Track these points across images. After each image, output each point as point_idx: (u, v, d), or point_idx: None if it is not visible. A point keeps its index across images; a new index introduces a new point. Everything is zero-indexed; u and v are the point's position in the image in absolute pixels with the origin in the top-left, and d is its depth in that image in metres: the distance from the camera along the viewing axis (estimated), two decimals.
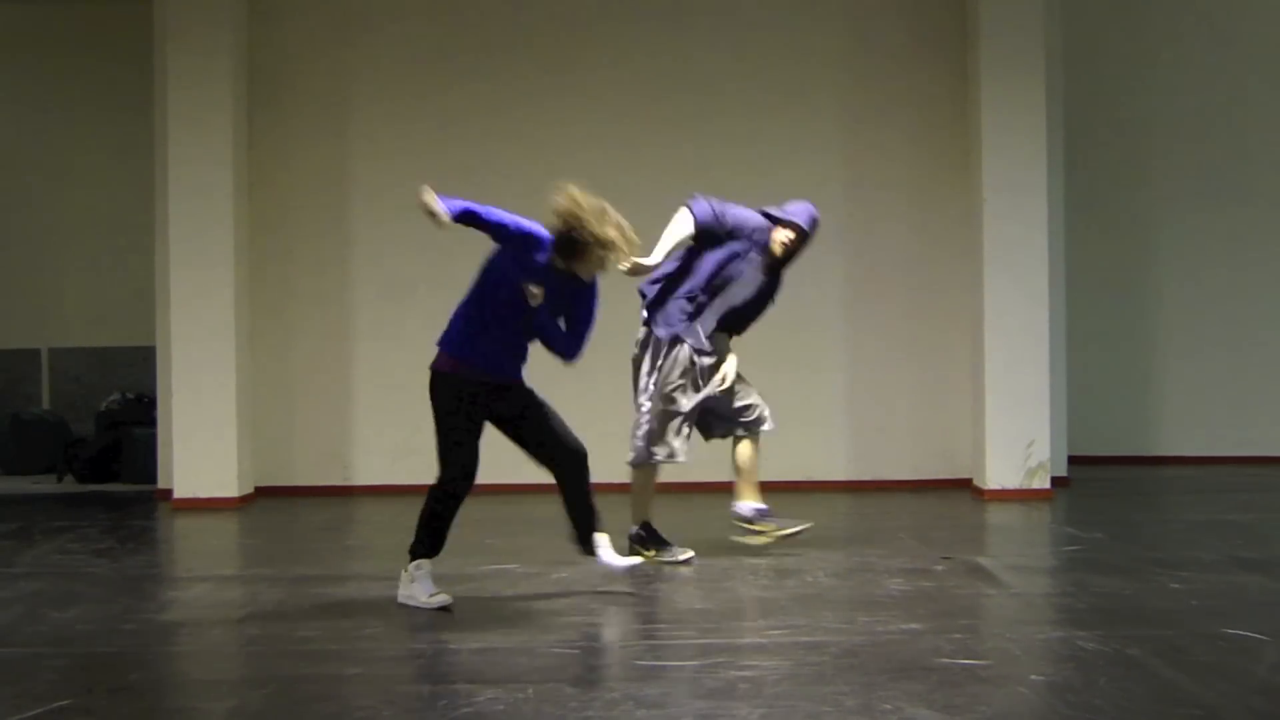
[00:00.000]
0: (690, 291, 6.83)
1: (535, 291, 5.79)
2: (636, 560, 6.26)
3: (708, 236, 6.81)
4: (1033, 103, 9.37)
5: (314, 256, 10.14)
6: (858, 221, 10.06)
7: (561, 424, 6.00)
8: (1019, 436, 9.31)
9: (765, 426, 7.01)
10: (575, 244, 5.76)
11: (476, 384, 5.85)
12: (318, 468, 10.09)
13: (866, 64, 10.11)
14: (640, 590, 6.20)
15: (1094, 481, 10.09)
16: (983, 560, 6.99)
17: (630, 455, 6.97)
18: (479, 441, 5.87)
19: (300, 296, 10.13)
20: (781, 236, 6.91)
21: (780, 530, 7.01)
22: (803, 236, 6.93)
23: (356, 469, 10.12)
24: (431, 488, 5.91)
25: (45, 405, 12.50)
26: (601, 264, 5.84)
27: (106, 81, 12.25)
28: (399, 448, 10.02)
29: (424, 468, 9.82)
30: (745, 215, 6.93)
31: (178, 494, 9.41)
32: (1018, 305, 9.35)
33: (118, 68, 12.05)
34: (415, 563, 5.88)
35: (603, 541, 6.04)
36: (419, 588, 5.83)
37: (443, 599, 5.80)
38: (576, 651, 5.14)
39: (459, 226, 5.70)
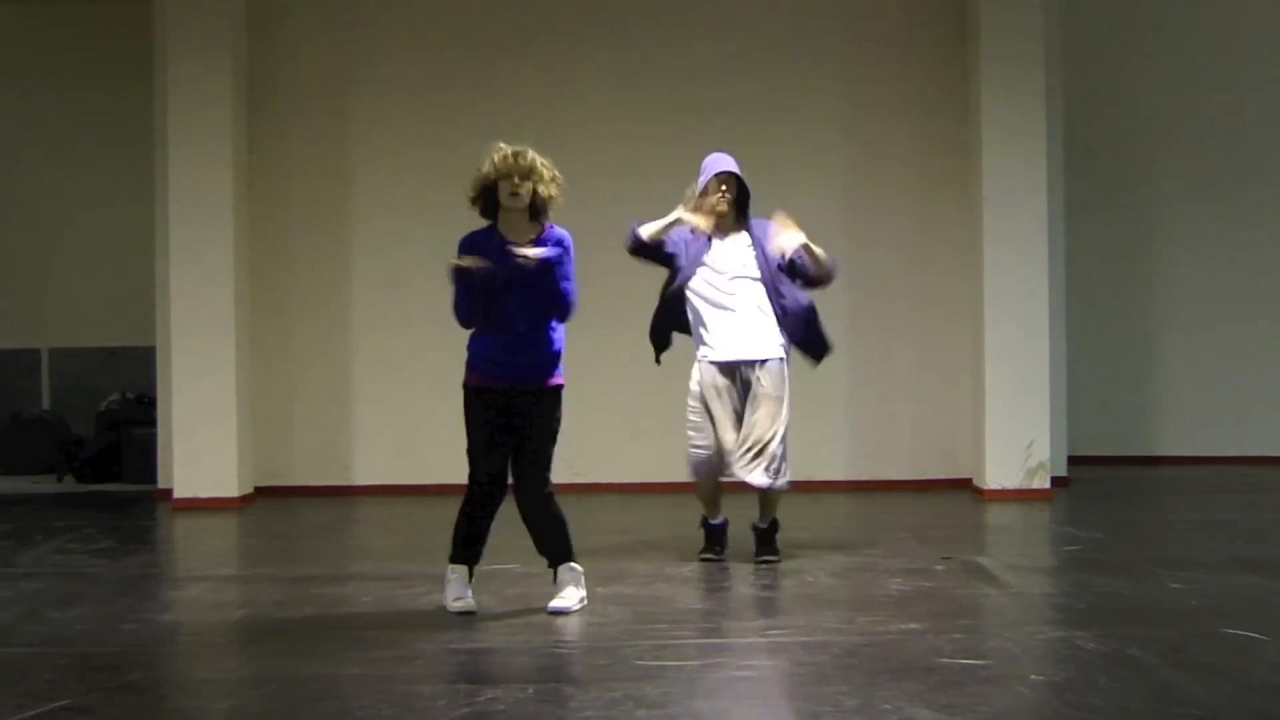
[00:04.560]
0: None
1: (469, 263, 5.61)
2: (564, 607, 5.73)
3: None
4: (1033, 102, 9.37)
5: (313, 256, 10.14)
6: (858, 221, 10.05)
7: (540, 458, 5.76)
8: (1019, 436, 9.31)
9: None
10: (483, 196, 5.72)
11: (492, 392, 5.75)
12: (318, 468, 10.09)
13: (866, 64, 10.11)
14: (640, 590, 6.20)
15: (1094, 481, 10.09)
16: (983, 560, 6.99)
17: (779, 480, 6.75)
18: (504, 453, 5.75)
19: (300, 296, 10.13)
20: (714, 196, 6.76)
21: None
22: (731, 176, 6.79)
23: (356, 469, 10.12)
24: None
25: (45, 405, 12.50)
26: (512, 194, 5.66)
27: (106, 81, 12.24)
28: (399, 448, 10.03)
29: (424, 467, 9.93)
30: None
31: (178, 494, 9.41)
32: (1018, 305, 9.35)
33: (117, 67, 12.04)
34: (449, 566, 5.83)
35: (562, 574, 5.81)
36: (448, 591, 5.80)
37: (462, 605, 5.72)
38: (576, 651, 5.14)
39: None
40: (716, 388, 6.76)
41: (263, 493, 9.84)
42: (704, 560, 6.90)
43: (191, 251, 9.44)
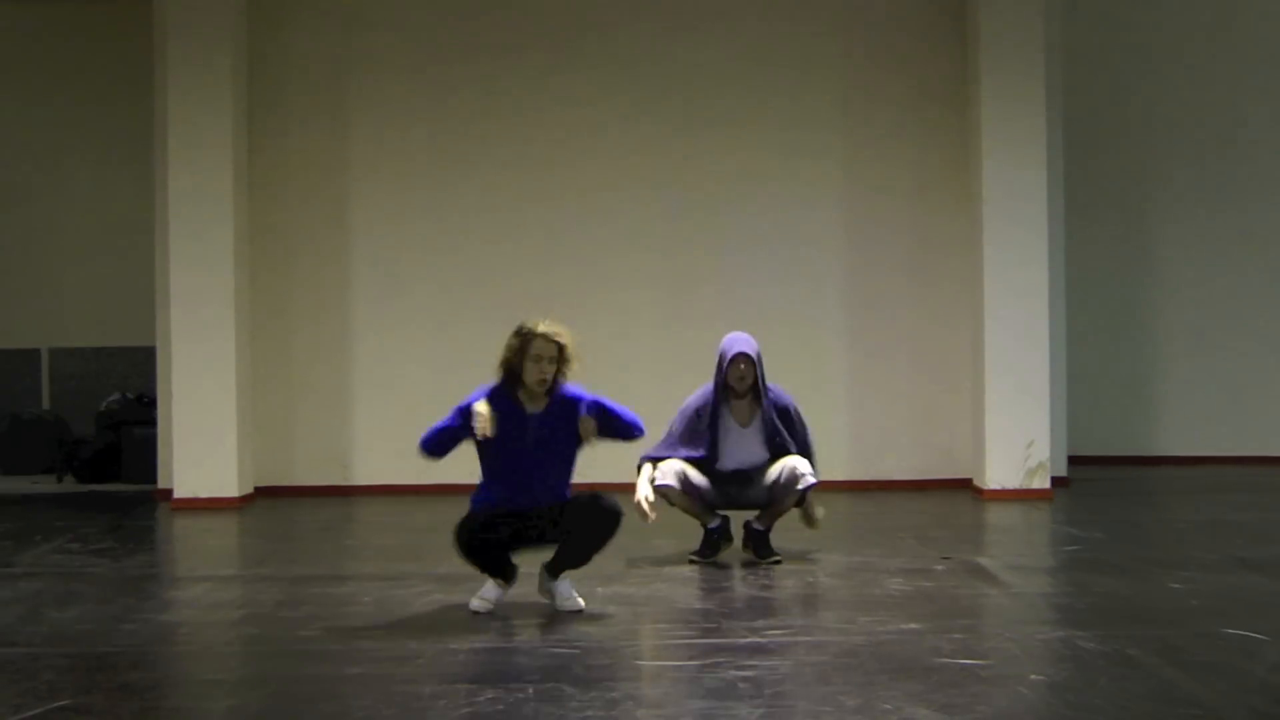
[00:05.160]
0: None
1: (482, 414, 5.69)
2: (581, 605, 5.77)
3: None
4: (1033, 103, 9.37)
5: (313, 256, 10.14)
6: (858, 222, 10.06)
7: (598, 496, 5.81)
8: (1019, 436, 9.31)
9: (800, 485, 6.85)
10: (510, 365, 5.77)
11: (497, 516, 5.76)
12: (318, 468, 10.08)
13: (867, 65, 10.11)
14: (640, 590, 6.20)
15: (1094, 481, 10.09)
16: (983, 560, 6.99)
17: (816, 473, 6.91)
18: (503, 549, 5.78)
19: (300, 296, 10.13)
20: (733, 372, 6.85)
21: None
22: (749, 360, 6.85)
23: (356, 469, 10.12)
24: None
25: (45, 405, 12.50)
26: (538, 373, 5.71)
27: (106, 81, 12.25)
28: (399, 448, 10.01)
29: (424, 468, 9.85)
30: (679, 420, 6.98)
31: (178, 494, 9.41)
32: (1017, 306, 9.35)
33: (117, 67, 12.06)
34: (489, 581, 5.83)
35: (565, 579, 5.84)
36: (481, 590, 5.81)
37: (476, 604, 5.72)
38: (576, 651, 5.13)
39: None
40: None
41: (263, 493, 9.84)
42: (692, 562, 6.91)
43: (191, 251, 9.43)
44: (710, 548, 6.97)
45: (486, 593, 5.78)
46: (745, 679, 4.64)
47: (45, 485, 11.04)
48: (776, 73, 10.12)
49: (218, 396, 9.45)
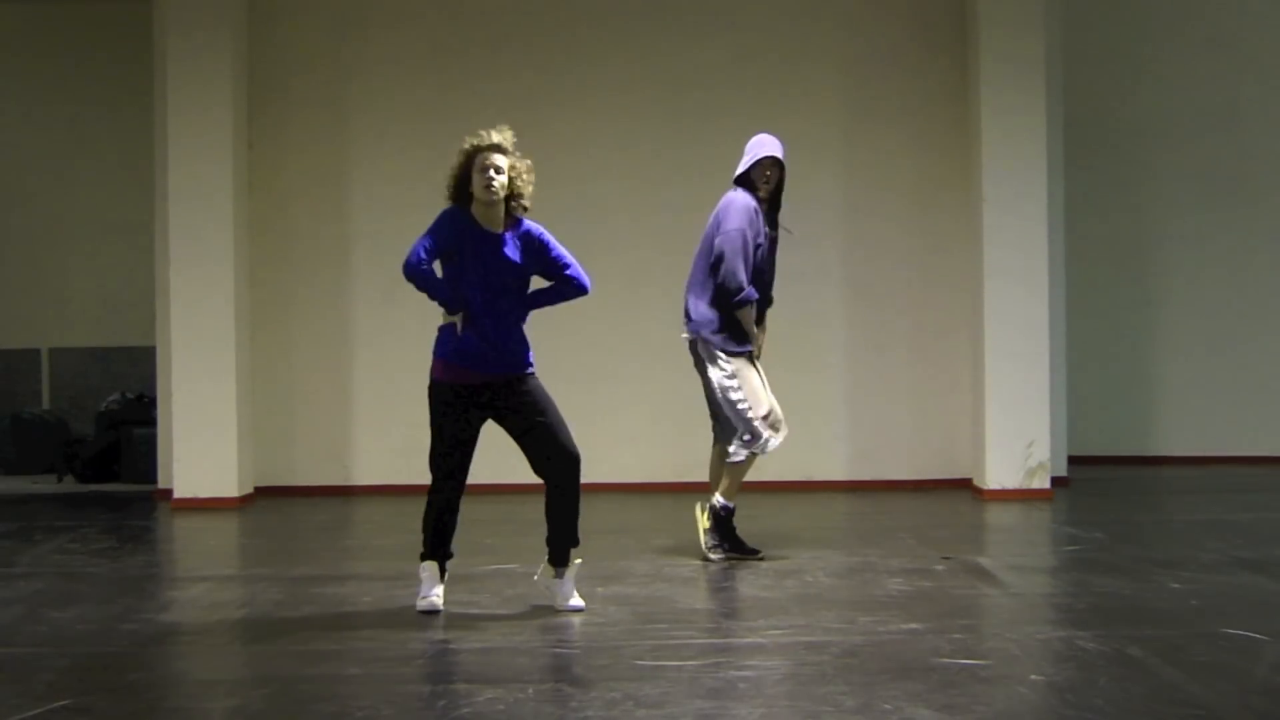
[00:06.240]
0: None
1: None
2: (581, 604, 5.76)
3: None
4: (1033, 103, 9.37)
5: (314, 256, 10.14)
6: (858, 221, 10.06)
7: (559, 426, 5.79)
8: (1019, 436, 9.31)
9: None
10: (458, 176, 5.91)
11: (467, 386, 5.77)
12: (318, 468, 10.08)
13: (866, 64, 10.11)
14: (640, 590, 6.20)
15: (1094, 481, 10.09)
16: (983, 560, 6.99)
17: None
18: (469, 448, 5.82)
19: (300, 296, 10.13)
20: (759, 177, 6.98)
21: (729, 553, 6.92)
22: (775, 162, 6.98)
23: (356, 469, 10.11)
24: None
25: (45, 405, 12.50)
26: (485, 181, 5.84)
27: (106, 81, 12.25)
28: (399, 448, 10.02)
29: (424, 468, 9.87)
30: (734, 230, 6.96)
31: (178, 494, 9.41)
32: (1018, 305, 9.35)
33: (118, 67, 12.06)
34: (421, 564, 5.88)
35: (570, 573, 5.81)
36: (420, 588, 5.84)
37: (426, 604, 5.74)
38: (576, 651, 5.14)
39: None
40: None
41: (263, 493, 9.84)
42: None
43: (191, 251, 9.43)
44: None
45: (426, 589, 5.78)
46: (745, 679, 4.64)
47: (45, 485, 11.04)
48: (778, 71, 10.11)
49: (217, 396, 9.44)
